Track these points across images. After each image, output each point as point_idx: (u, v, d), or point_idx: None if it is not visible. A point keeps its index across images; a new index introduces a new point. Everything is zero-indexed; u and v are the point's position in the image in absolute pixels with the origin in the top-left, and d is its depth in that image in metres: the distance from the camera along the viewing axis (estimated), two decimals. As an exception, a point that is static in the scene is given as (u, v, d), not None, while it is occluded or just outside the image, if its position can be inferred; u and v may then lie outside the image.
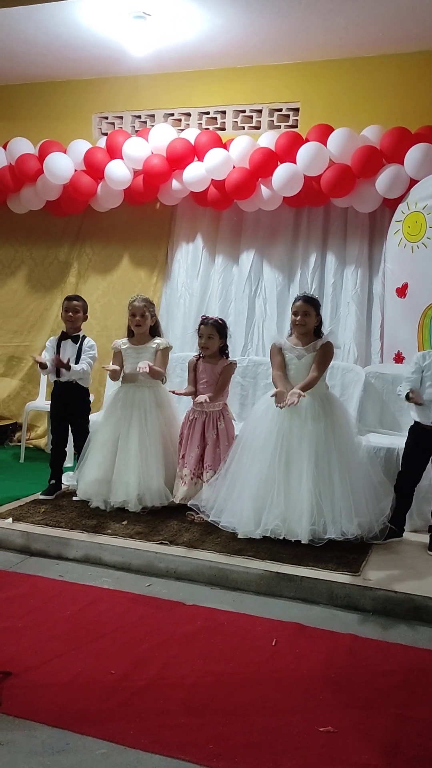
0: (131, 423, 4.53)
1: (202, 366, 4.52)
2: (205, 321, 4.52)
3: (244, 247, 5.88)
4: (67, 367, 4.61)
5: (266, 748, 2.35)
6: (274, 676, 2.81)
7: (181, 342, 5.87)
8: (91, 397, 5.02)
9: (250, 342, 5.81)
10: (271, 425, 4.14)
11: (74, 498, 4.68)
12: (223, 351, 4.54)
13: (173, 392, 4.56)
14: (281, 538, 3.97)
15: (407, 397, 3.98)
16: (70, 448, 5.01)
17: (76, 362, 4.70)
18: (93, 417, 4.92)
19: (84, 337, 4.80)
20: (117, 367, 4.60)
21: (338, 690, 2.72)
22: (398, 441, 4.33)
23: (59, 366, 4.62)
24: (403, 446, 4.17)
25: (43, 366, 4.68)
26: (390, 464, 4.35)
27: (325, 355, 4.20)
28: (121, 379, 4.68)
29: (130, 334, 4.71)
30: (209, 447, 4.41)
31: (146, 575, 3.82)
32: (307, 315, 4.23)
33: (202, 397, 4.35)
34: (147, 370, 4.38)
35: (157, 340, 4.65)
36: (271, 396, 4.05)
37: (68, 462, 5.05)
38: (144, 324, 4.61)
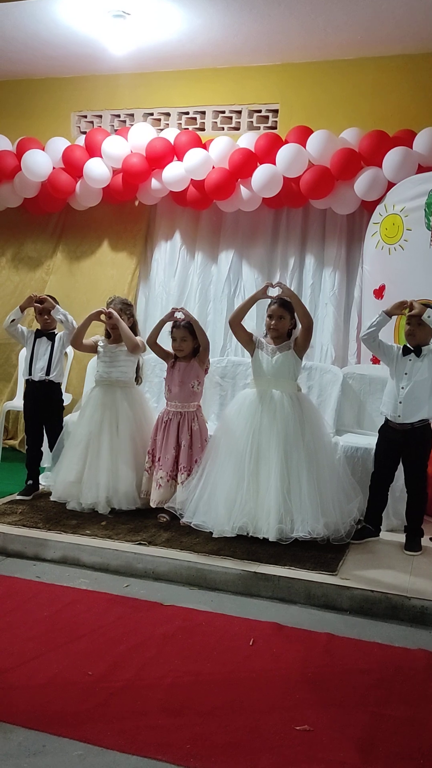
0: (102, 424, 4.52)
1: (177, 366, 4.51)
2: (177, 323, 4.51)
3: (223, 247, 5.89)
4: (51, 306, 4.64)
5: (243, 748, 2.36)
6: (252, 675, 2.82)
7: (159, 341, 5.84)
8: (67, 398, 4.98)
9: (229, 343, 5.81)
10: (243, 425, 4.16)
11: (51, 498, 4.66)
12: (196, 352, 4.54)
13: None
14: (249, 535, 3.99)
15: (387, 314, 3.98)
16: (46, 448, 4.97)
17: (50, 362, 4.71)
18: (70, 417, 4.89)
19: (57, 333, 4.79)
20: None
21: (315, 689, 2.74)
22: (375, 441, 4.36)
23: (38, 302, 4.64)
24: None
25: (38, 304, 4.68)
26: (367, 464, 4.37)
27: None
28: (95, 379, 4.70)
29: (108, 335, 4.71)
30: (183, 449, 4.39)
31: (124, 576, 3.81)
32: (282, 319, 4.24)
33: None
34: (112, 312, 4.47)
35: None
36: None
37: (45, 462, 5.02)
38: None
